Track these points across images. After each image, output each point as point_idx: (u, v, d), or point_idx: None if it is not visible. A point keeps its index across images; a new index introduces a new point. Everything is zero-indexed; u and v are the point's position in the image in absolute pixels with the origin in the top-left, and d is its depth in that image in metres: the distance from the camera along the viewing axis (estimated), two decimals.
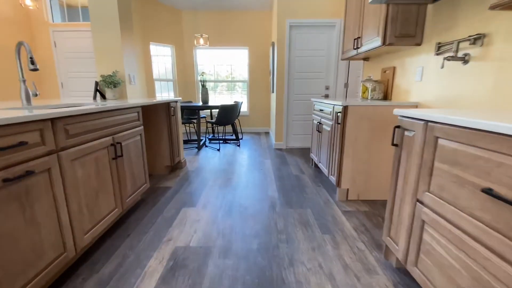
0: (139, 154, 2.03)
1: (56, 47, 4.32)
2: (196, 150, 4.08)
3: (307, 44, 3.89)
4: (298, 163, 3.35)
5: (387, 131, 2.10)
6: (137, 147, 1.98)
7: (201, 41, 4.28)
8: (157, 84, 5.27)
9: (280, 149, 4.13)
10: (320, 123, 2.71)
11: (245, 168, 3.12)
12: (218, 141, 4.77)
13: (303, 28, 3.83)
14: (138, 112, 2.01)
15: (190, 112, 4.89)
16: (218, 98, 5.88)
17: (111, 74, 2.52)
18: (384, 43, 2.00)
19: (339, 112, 2.11)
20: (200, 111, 5.77)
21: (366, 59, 2.90)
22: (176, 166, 3.10)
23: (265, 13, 5.29)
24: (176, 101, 2.90)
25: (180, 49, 5.43)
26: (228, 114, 4.02)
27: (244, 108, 5.84)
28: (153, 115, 2.74)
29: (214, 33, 5.38)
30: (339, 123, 2.13)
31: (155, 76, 5.20)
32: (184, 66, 5.58)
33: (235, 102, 4.97)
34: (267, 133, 5.65)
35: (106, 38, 2.62)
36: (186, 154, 3.80)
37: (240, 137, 5.16)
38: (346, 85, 3.90)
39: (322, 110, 2.66)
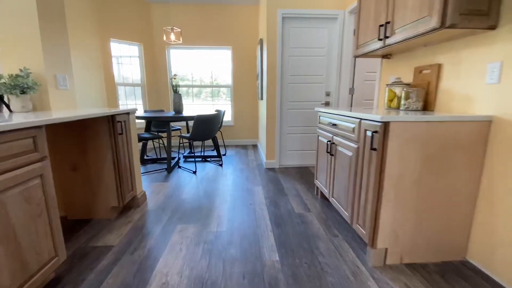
0: (38, 211, 1.15)
1: None
2: (166, 173, 3.20)
3: (304, 41, 3.17)
4: (298, 191, 2.57)
5: (448, 159, 1.36)
6: (30, 200, 1.11)
7: (172, 36, 3.44)
8: (121, 90, 4.34)
9: (272, 169, 3.33)
10: (332, 142, 1.94)
11: (228, 203, 2.28)
12: (195, 160, 3.90)
13: (298, 21, 3.11)
14: (34, 138, 1.13)
15: (162, 124, 4.00)
16: (198, 107, 5.02)
17: (18, 74, 1.62)
18: (442, 24, 1.27)
19: (375, 131, 1.35)
20: (173, 123, 4.87)
21: (386, 56, 2.20)
22: (129, 205, 2.21)
23: (251, 8, 4.55)
24: (127, 113, 2.04)
25: (150, 49, 4.55)
26: (207, 127, 3.19)
27: (228, 117, 5.02)
28: (91, 134, 1.86)
29: (191, 30, 4.56)
30: (374, 149, 1.36)
31: (117, 79, 4.27)
32: (155, 69, 4.69)
33: (216, 111, 4.14)
34: (255, 146, 4.84)
35: (12, 23, 1.74)
36: (151, 181, 2.90)
37: (223, 152, 4.31)
38: (351, 91, 3.20)
39: (335, 125, 1.90)
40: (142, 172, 3.24)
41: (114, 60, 4.17)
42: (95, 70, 3.80)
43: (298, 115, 3.35)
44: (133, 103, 4.56)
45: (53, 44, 1.89)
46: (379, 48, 1.83)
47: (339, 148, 1.82)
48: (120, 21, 4.11)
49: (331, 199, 2.00)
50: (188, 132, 4.26)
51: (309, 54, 3.21)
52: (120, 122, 1.91)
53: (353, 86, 3.19)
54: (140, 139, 3.10)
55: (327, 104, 3.33)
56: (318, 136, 2.30)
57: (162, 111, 4.20)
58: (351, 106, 3.23)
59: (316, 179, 2.40)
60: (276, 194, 2.49)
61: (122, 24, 4.13)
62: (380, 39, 1.78)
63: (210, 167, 3.48)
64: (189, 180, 2.91)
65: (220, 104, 5.02)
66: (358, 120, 1.52)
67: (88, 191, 1.96)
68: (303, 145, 3.43)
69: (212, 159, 3.90)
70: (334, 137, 1.91)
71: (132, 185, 2.13)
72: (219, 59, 4.81)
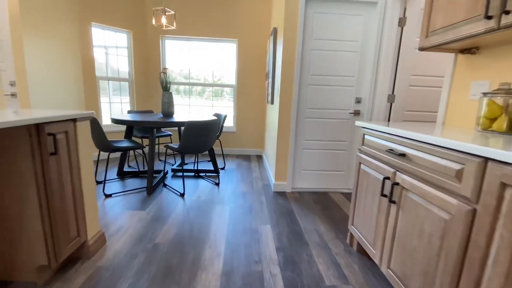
0: None
1: None
2: (146, 194, 2.47)
3: (331, 31, 2.45)
4: (322, 236, 1.83)
5: None
6: None
7: (164, 20, 2.73)
8: (103, 85, 3.63)
9: (282, 194, 2.60)
10: (395, 183, 1.21)
11: (222, 258, 1.55)
12: (183, 177, 3.18)
13: (326, 5, 2.39)
14: None
15: (146, 129, 3.28)
16: (195, 108, 4.30)
17: None
18: None
19: None
20: (158, 129, 4.15)
21: (469, 50, 1.46)
22: (76, 255, 1.48)
23: None
24: (72, 119, 1.31)
25: (141, 38, 3.84)
26: (200, 136, 2.46)
27: (229, 122, 4.30)
28: (4, 155, 1.14)
29: (190, 18, 3.85)
30: None
31: (99, 73, 3.56)
32: (146, 62, 3.98)
33: (215, 115, 3.42)
34: (259, 157, 4.12)
35: None
36: (123, 206, 2.18)
37: (221, 165, 3.58)
38: (391, 98, 2.47)
39: (403, 154, 1.16)
40: (116, 192, 2.52)
41: (97, 50, 3.47)
42: (70, 61, 3.09)
43: (318, 126, 2.62)
44: (118, 102, 3.85)
45: None
46: (483, 33, 1.09)
47: (413, 197, 1.09)
48: (105, 2, 3.41)
49: (386, 270, 1.26)
50: (180, 140, 3.54)
51: (338, 49, 2.49)
52: (53, 135, 1.19)
53: (393, 93, 2.46)
54: (111, 149, 2.39)
55: (356, 113, 2.60)
56: (360, 163, 1.57)
57: (150, 112, 3.49)
58: (389, 118, 2.50)
59: (352, 224, 1.66)
60: (292, 242, 1.75)
61: (107, 6, 3.43)
62: (489, 17, 1.05)
63: (203, 186, 2.75)
64: (173, 208, 2.18)
65: (221, 107, 4.30)
66: (479, 159, 0.79)
67: (3, 242, 1.23)
68: (323, 164, 2.70)
69: (207, 174, 3.17)
70: (400, 174, 1.18)
71: (78, 229, 1.40)
72: (222, 53, 4.09)
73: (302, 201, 2.46)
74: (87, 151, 1.47)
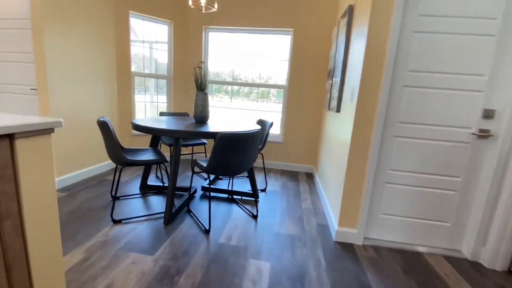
0: None
1: None
2: (163, 225, 1.89)
3: (450, 1, 1.52)
4: None
5: None
6: None
7: (202, 1, 2.14)
8: (139, 81, 3.24)
9: (349, 248, 1.75)
10: None
11: None
12: (210, 206, 2.54)
13: None
14: None
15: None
16: (237, 112, 3.69)
17: None
18: None
19: None
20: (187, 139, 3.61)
21: None
22: None
23: None
24: (7, 135, 0.72)
25: (182, 30, 3.37)
26: (235, 154, 1.77)
27: (275, 130, 3.56)
28: None
29: (237, 6, 3.24)
30: None
31: (134, 68, 3.19)
32: (185, 57, 3.51)
33: (259, 122, 2.73)
34: (309, 176, 3.28)
35: None
36: (127, 245, 1.61)
37: (262, 186, 2.86)
38: None
39: None
40: (128, 217, 1.99)
41: (133, 43, 3.10)
42: (103, 53, 2.74)
43: (414, 150, 1.70)
44: (155, 102, 3.44)
45: None
46: None
47: None
48: None
49: None
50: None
51: (458, 30, 1.54)
52: None
53: None
54: (125, 163, 1.85)
55: (484, 135, 1.60)
56: None
57: (185, 115, 2.97)
58: None
59: None
60: None
61: None
62: None
63: (237, 218, 2.07)
64: (191, 256, 1.53)
65: (267, 111, 3.59)
66: None
67: None
68: (415, 209, 1.76)
69: (243, 198, 2.48)
70: None
71: None
72: (272, 48, 3.38)
73: (381, 265, 1.58)
74: (42, 185, 0.89)
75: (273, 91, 3.53)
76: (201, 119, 2.28)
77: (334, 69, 2.52)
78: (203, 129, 1.85)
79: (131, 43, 3.05)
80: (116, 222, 1.86)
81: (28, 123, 0.79)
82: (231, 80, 3.57)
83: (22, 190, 0.81)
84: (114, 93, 3.00)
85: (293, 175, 3.31)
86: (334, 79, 2.48)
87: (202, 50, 3.45)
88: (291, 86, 3.33)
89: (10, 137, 0.76)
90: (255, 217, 2.10)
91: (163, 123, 2.03)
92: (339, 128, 2.14)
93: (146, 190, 2.49)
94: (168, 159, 3.31)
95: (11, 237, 0.79)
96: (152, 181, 2.74)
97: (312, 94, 3.29)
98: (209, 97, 3.59)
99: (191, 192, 2.38)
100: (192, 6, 2.30)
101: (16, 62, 2.33)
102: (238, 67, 3.52)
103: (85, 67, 2.56)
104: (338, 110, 2.23)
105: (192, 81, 3.55)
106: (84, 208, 2.04)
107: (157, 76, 3.42)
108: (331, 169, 2.29)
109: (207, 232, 1.82)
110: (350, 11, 2.06)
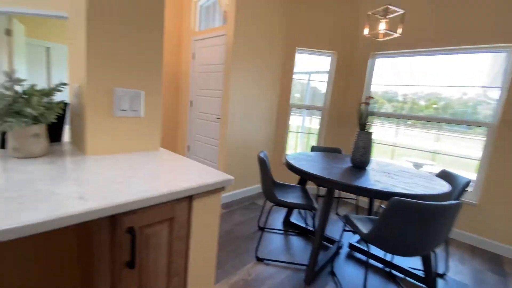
0: None
1: (194, 59, 3.57)
2: (303, 282, 1.65)
3: None
4: None
5: None
6: None
7: (382, 26, 1.80)
8: (295, 112, 3.33)
9: None
10: None
11: None
12: (368, 263, 2.01)
13: None
14: None
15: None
16: (408, 153, 2.96)
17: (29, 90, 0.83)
18: None
19: None
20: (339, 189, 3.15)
21: None
22: None
23: None
24: (188, 197, 0.73)
25: (346, 58, 3.16)
26: (417, 229, 1.24)
27: (469, 187, 2.50)
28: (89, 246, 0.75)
29: (424, 27, 2.62)
30: None
31: (292, 99, 3.30)
32: (345, 87, 3.24)
33: (441, 174, 1.98)
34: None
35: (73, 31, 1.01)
36: None
37: (440, 270, 2.00)
38: None
39: None
40: (269, 259, 1.93)
41: (295, 76, 3.23)
42: (269, 88, 3.03)
43: None
44: (306, 131, 3.41)
45: (114, 45, 0.98)
46: None
47: None
48: (311, 23, 3.07)
49: None
50: (370, 213, 2.40)
51: None
52: (133, 232, 0.64)
53: None
54: (275, 202, 1.79)
55: None
56: None
57: (337, 151, 2.68)
58: None
59: None
60: None
61: (313, 28, 3.07)
62: None
63: None
64: None
65: (453, 156, 2.61)
66: None
67: None
68: None
69: (407, 278, 1.80)
70: None
71: None
72: (468, 68, 2.44)
73: None
74: (208, 240, 0.87)
75: (460, 127, 2.53)
76: (360, 164, 1.90)
77: None
78: (367, 185, 1.47)
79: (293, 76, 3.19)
80: (259, 260, 1.83)
81: (207, 184, 0.78)
82: (401, 109, 2.92)
83: (191, 248, 0.82)
84: (273, 123, 3.22)
85: (494, 261, 2.14)
86: None
87: (364, 80, 3.07)
88: (505, 124, 2.23)
89: (189, 198, 0.77)
90: None
91: (316, 164, 1.83)
92: None
93: (289, 227, 2.40)
94: (315, 200, 3.12)
95: None
96: (295, 217, 2.63)
97: None
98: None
99: (337, 247, 2.02)
100: (368, 36, 2.01)
101: (212, 97, 2.99)
102: (413, 94, 2.83)
103: (254, 100, 2.90)
104: None
105: (350, 115, 3.23)
106: (235, 233, 2.19)
107: (313, 107, 3.39)
108: None
109: None
110: None
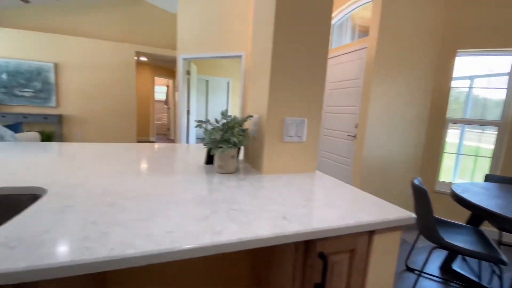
0: None
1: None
2: None
3: None
4: None
5: None
6: None
7: None
8: (454, 130, 2.68)
9: None
10: None
11: None
12: None
13: None
14: None
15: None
16: None
17: (223, 117, 1.06)
18: None
19: None
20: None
21: None
22: None
23: None
24: (370, 231, 0.71)
25: None
26: None
27: None
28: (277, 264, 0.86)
29: None
30: None
31: (450, 114, 2.67)
32: None
33: None
34: None
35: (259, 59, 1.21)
36: None
37: None
38: None
39: None
40: None
41: (455, 84, 2.62)
42: (416, 99, 2.60)
43: None
44: (473, 154, 2.65)
45: (294, 74, 1.12)
46: None
47: None
48: (482, 19, 2.41)
49: None
50: None
51: None
52: (325, 257, 0.67)
53: None
54: (439, 244, 1.44)
55: None
56: None
57: None
58: None
59: None
60: None
61: (483, 24, 2.41)
62: None
63: None
64: None
65: None
66: None
67: None
68: None
69: None
70: None
71: None
72: None
73: None
74: (383, 279, 0.80)
75: None
76: None
77: None
78: None
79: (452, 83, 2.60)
80: None
81: (389, 220, 0.73)
82: None
83: (367, 282, 0.78)
84: (421, 142, 2.72)
85: None
86: None
87: None
88: None
89: (370, 232, 0.74)
90: None
91: (501, 201, 1.35)
92: None
93: (449, 275, 1.89)
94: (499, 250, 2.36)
95: None
96: (458, 264, 2.05)
97: None
98: None
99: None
100: None
101: (342, 113, 2.90)
102: None
103: (398, 115, 2.57)
104: None
105: None
106: None
107: (485, 122, 2.61)
108: None
109: None
110: None
